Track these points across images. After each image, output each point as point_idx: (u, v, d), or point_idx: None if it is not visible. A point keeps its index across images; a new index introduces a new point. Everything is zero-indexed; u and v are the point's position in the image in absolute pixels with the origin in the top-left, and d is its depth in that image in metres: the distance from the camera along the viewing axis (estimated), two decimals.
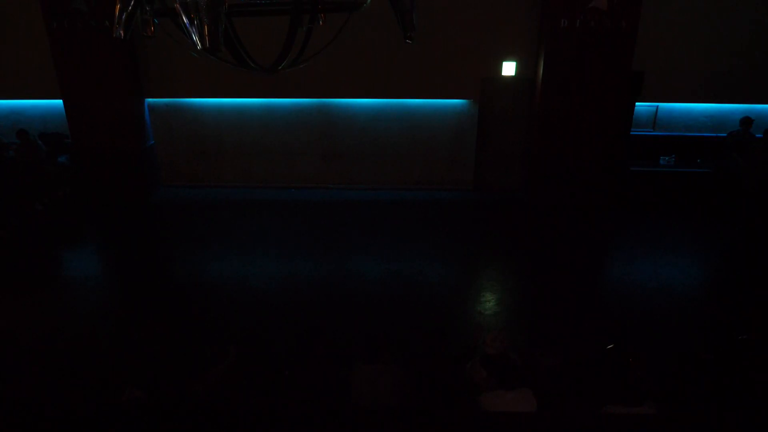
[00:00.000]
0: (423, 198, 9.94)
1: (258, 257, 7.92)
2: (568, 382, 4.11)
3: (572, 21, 8.30)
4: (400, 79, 9.37)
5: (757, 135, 8.78)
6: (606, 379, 3.82)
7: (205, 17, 1.92)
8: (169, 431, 3.29)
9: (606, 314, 6.48)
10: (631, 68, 8.58)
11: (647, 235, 8.36)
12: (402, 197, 9.97)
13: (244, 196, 10.15)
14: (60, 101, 9.40)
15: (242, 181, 10.46)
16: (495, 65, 9.25)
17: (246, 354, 4.34)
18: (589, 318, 6.37)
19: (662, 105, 9.40)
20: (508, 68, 9.23)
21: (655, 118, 9.50)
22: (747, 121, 8.70)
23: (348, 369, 4.20)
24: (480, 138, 9.85)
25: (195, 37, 1.97)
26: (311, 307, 6.62)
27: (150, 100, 9.90)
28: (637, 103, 9.10)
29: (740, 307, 6.56)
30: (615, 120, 8.82)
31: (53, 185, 9.36)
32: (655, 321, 6.26)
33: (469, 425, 3.34)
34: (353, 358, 4.25)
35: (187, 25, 1.98)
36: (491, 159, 10.01)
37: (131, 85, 9.34)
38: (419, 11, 2.42)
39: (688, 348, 5.60)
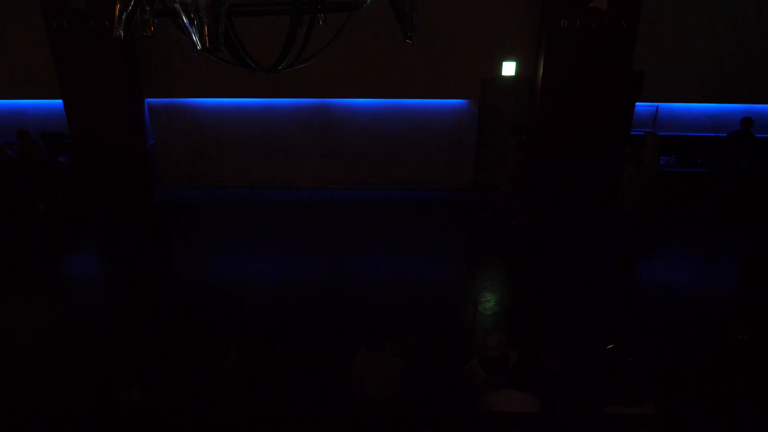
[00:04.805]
0: (423, 198, 9.94)
1: (258, 257, 7.93)
2: (568, 382, 4.11)
3: (572, 21, 8.30)
4: (399, 79, 9.37)
5: (757, 135, 8.79)
6: (606, 379, 3.82)
7: (205, 17, 1.92)
8: (170, 431, 3.29)
9: (606, 314, 6.48)
10: (632, 68, 8.58)
11: (647, 235, 8.35)
12: (402, 197, 9.97)
13: (244, 196, 10.15)
14: (60, 101, 9.40)
15: (242, 181, 10.47)
16: (495, 65, 9.25)
17: (246, 354, 4.34)
18: (589, 318, 6.37)
19: (662, 105, 9.40)
20: (508, 68, 9.23)
21: (655, 118, 9.49)
22: (747, 121, 8.70)
23: (348, 363, 4.17)
24: (480, 138, 9.85)
25: (195, 37, 1.97)
26: (311, 307, 6.62)
27: (150, 100, 9.90)
28: (637, 103, 9.10)
29: (740, 307, 6.56)
30: (615, 120, 8.82)
31: (53, 185, 9.36)
32: (655, 321, 6.26)
33: (469, 425, 3.34)
34: (354, 349, 4.21)
35: (187, 25, 1.97)
36: (491, 159, 10.00)
37: (131, 85, 9.34)
38: (419, 11, 2.41)
39: (689, 348, 5.62)
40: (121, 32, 2.35)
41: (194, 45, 1.99)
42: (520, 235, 8.35)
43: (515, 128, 8.29)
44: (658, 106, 9.40)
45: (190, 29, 1.97)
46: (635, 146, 7.08)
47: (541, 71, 8.78)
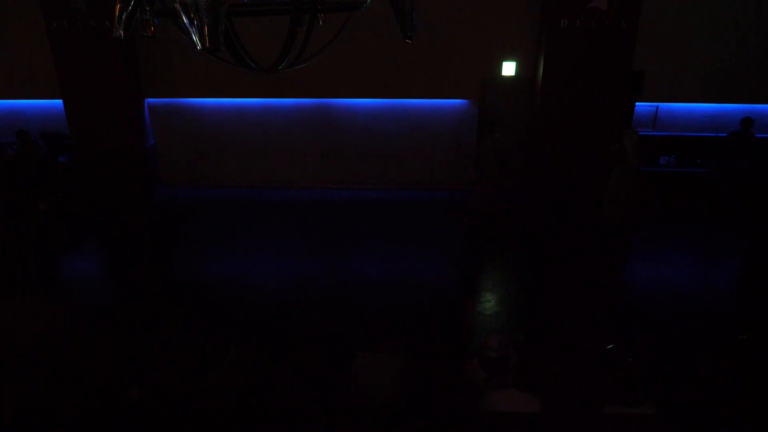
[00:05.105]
0: (423, 198, 9.94)
1: (258, 257, 7.93)
2: (568, 382, 4.11)
3: (572, 21, 8.30)
4: (400, 79, 9.37)
5: (757, 135, 8.79)
6: (606, 379, 3.81)
7: (205, 17, 1.92)
8: (170, 431, 3.29)
9: (606, 314, 6.48)
10: (632, 68, 8.57)
11: (647, 235, 8.35)
12: (402, 197, 9.97)
13: (244, 196, 10.15)
14: (60, 101, 9.40)
15: (242, 181, 10.46)
16: (495, 65, 9.25)
17: (246, 354, 4.34)
18: (589, 318, 6.37)
19: (662, 105, 9.40)
20: (508, 68, 9.23)
21: (655, 118, 9.49)
22: (747, 121, 8.70)
23: (348, 363, 4.17)
24: (480, 138, 9.84)
25: (195, 37, 1.97)
26: (311, 307, 6.62)
27: (150, 100, 9.90)
28: (637, 103, 9.10)
29: (740, 307, 6.56)
30: (615, 120, 8.81)
31: (53, 185, 9.35)
32: (655, 321, 6.26)
33: (469, 425, 3.33)
34: (354, 350, 4.21)
35: (187, 25, 1.97)
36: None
37: (131, 85, 9.34)
38: (419, 11, 2.41)
39: (689, 348, 5.62)
40: (121, 32, 2.34)
41: (194, 45, 1.99)
42: (496, 228, 8.54)
43: (489, 127, 8.35)
44: (658, 106, 9.40)
45: (190, 29, 1.97)
46: (619, 145, 7.10)
47: (541, 71, 8.78)
